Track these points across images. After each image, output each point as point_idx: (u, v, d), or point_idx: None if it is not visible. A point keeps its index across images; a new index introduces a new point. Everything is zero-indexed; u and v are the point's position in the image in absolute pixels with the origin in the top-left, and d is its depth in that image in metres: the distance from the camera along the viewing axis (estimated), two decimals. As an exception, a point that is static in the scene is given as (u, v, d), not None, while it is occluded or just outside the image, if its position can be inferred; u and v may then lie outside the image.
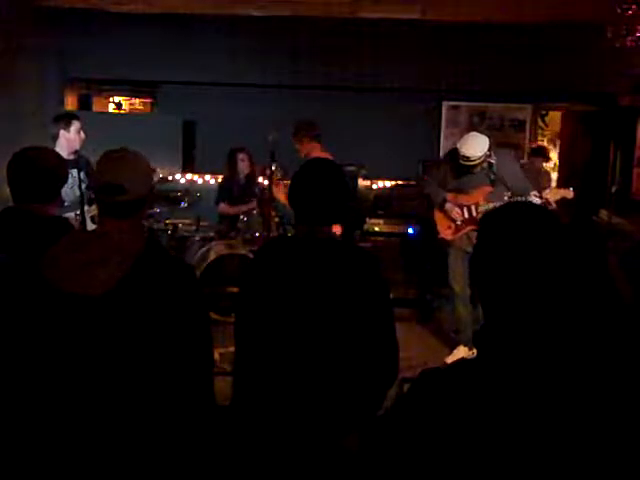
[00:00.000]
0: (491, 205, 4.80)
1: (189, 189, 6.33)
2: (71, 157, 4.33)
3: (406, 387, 1.45)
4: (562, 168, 8.00)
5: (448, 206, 4.93)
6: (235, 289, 5.08)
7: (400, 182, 7.19)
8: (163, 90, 7.53)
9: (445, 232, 5.05)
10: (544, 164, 7.07)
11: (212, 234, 6.09)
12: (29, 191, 2.47)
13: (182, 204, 6.04)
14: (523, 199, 4.63)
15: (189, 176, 7.31)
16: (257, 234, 5.72)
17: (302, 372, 2.13)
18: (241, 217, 5.85)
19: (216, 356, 4.17)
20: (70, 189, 3.93)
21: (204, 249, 5.78)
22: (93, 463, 1.73)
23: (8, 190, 2.51)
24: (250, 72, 7.06)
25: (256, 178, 6.31)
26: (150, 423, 1.77)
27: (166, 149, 6.96)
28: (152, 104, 7.99)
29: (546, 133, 8.97)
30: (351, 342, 2.12)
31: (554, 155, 8.56)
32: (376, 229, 6.67)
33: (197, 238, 6.13)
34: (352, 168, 6.47)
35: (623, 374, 1.37)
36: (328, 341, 2.11)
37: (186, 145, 7.23)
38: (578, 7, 5.72)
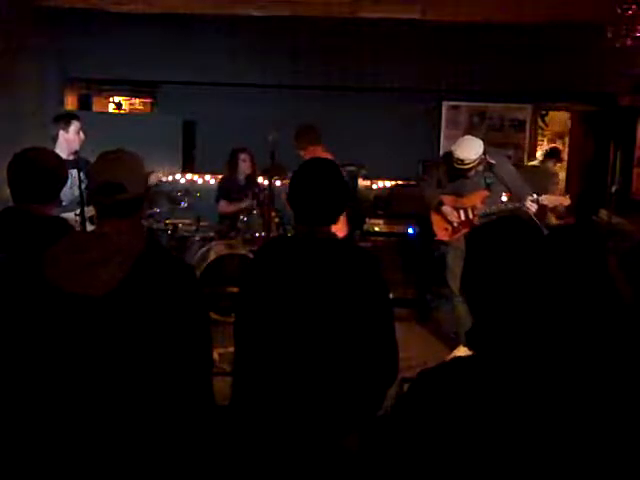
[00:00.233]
0: (488, 210, 4.82)
1: (189, 189, 6.33)
2: (71, 157, 4.33)
3: (406, 387, 1.46)
4: (570, 168, 7.98)
5: (445, 209, 4.95)
6: (235, 289, 5.08)
7: (400, 182, 7.18)
8: (163, 90, 7.53)
9: (442, 234, 5.07)
10: (558, 165, 7.13)
11: (212, 234, 6.09)
12: (29, 192, 2.47)
13: (182, 204, 6.05)
14: (520, 204, 4.66)
15: (189, 176, 7.30)
16: (257, 234, 5.72)
17: (302, 372, 2.13)
18: (241, 217, 5.85)
19: (216, 356, 4.19)
20: (69, 189, 3.93)
21: (204, 249, 5.78)
22: (92, 462, 1.74)
23: (8, 190, 2.51)
24: (250, 72, 7.06)
25: (256, 178, 6.31)
26: (150, 422, 1.77)
27: (166, 149, 6.96)
28: (152, 104, 7.98)
29: (546, 133, 8.96)
30: (351, 342, 2.12)
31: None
32: (376, 229, 6.67)
33: (197, 238, 6.13)
34: (352, 168, 6.47)
35: (619, 369, 1.40)
36: (328, 341, 2.11)
37: (186, 145, 7.23)
38: (578, 7, 5.72)
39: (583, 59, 6.67)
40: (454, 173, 4.81)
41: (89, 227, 3.94)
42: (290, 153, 5.01)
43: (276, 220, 5.76)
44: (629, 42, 4.85)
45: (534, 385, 1.30)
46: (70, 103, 7.40)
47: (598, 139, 7.64)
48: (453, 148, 4.72)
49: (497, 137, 7.19)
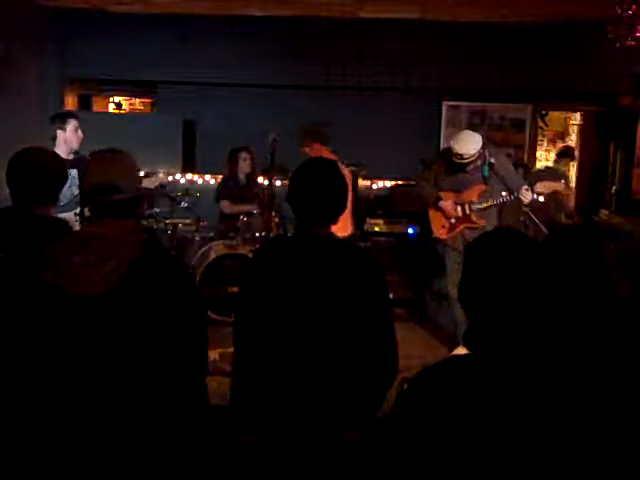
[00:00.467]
0: (484, 204, 4.84)
1: (189, 189, 6.33)
2: (70, 157, 4.31)
3: (406, 387, 1.48)
4: (582, 167, 7.97)
5: (442, 203, 4.96)
6: (235, 289, 5.08)
7: (400, 182, 7.18)
8: (163, 90, 7.53)
9: (439, 231, 5.07)
10: (571, 164, 7.17)
11: (212, 234, 6.09)
12: (28, 192, 2.46)
13: (182, 204, 6.05)
14: (515, 195, 4.73)
15: (189, 176, 7.30)
16: (257, 234, 5.72)
17: (301, 371, 2.13)
18: (241, 217, 5.84)
19: (216, 356, 4.19)
20: (68, 189, 3.93)
21: (204, 249, 5.78)
22: (87, 462, 1.73)
23: (8, 190, 2.51)
24: (250, 72, 7.05)
25: (257, 178, 6.31)
26: (144, 422, 1.77)
27: (166, 149, 6.96)
28: (152, 104, 7.98)
29: (546, 133, 8.96)
30: (350, 341, 2.12)
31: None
32: (376, 229, 6.67)
33: (197, 238, 6.13)
34: (352, 168, 6.47)
35: (612, 364, 1.45)
36: (327, 340, 2.11)
37: (186, 145, 7.23)
38: (578, 7, 5.72)
39: (583, 59, 6.68)
40: (453, 168, 4.83)
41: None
42: (290, 153, 5.00)
43: (276, 220, 5.76)
44: (629, 42, 4.84)
45: (532, 381, 1.33)
46: (70, 103, 7.40)
47: (599, 139, 7.64)
48: (452, 142, 4.73)
49: (497, 137, 7.18)
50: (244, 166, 6.15)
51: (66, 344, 1.74)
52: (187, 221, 6.27)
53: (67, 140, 4.36)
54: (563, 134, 9.26)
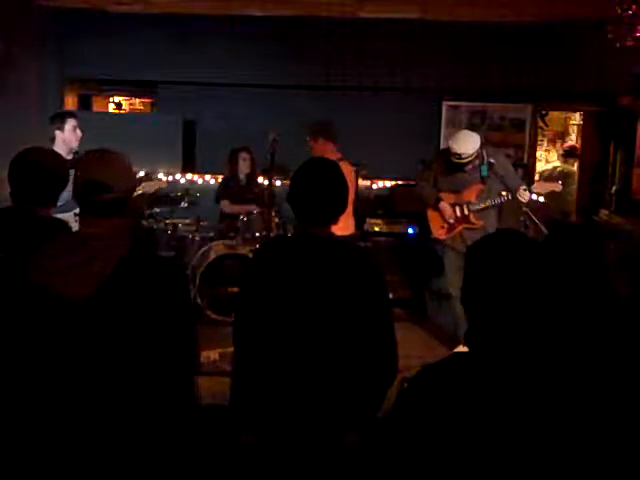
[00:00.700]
0: (482, 204, 4.86)
1: (189, 189, 6.34)
2: (69, 157, 4.30)
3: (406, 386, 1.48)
4: (582, 167, 7.96)
5: (442, 205, 4.97)
6: (235, 289, 5.09)
7: (400, 182, 7.18)
8: (163, 90, 7.52)
9: (438, 232, 5.09)
10: (575, 164, 7.20)
11: (212, 234, 6.09)
12: (29, 193, 2.46)
13: (182, 204, 6.05)
14: (513, 195, 4.77)
15: (189, 176, 7.30)
16: (257, 234, 5.72)
17: (301, 371, 2.13)
18: (241, 217, 5.85)
19: (216, 356, 4.20)
20: (67, 189, 3.92)
21: (204, 249, 5.78)
22: (76, 463, 1.72)
23: (8, 191, 2.50)
24: (250, 72, 7.05)
25: (257, 178, 6.31)
26: (131, 421, 1.76)
27: (166, 149, 6.96)
28: (152, 104, 7.98)
29: (546, 133, 8.96)
30: (350, 341, 2.12)
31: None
32: (376, 229, 6.67)
33: (197, 238, 6.13)
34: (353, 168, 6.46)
35: (610, 362, 1.45)
36: (327, 340, 2.11)
37: (186, 145, 7.23)
38: (578, 7, 5.72)
39: (583, 59, 6.67)
40: (451, 168, 4.84)
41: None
42: (290, 153, 5.00)
43: (276, 220, 5.76)
44: (629, 42, 4.85)
45: (532, 380, 1.34)
46: (70, 103, 7.39)
47: (600, 139, 7.63)
48: (450, 142, 4.76)
49: (497, 137, 7.18)
50: (244, 166, 6.15)
51: (52, 345, 1.73)
52: (187, 221, 6.27)
53: (66, 140, 4.35)
54: (563, 134, 9.26)
